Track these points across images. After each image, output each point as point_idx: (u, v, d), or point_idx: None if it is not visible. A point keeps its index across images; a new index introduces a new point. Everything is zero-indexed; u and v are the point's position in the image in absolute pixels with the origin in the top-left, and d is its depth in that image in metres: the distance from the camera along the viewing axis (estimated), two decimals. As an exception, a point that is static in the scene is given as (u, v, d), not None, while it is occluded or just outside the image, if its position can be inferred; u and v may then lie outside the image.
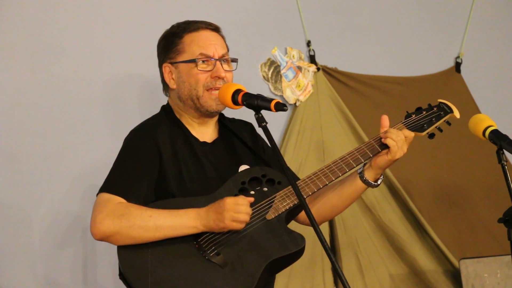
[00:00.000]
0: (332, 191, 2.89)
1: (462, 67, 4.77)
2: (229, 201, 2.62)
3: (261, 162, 2.90)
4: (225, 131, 2.93)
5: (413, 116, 2.89)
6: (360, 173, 2.85)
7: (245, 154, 2.91)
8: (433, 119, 2.89)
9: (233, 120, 3.00)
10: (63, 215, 3.56)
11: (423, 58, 4.68)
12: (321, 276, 4.11)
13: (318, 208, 2.90)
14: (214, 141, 2.88)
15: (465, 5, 4.81)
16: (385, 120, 2.86)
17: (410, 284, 4.33)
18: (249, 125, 3.02)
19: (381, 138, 2.81)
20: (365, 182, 2.84)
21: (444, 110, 2.91)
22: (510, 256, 2.78)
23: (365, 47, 4.52)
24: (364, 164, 2.84)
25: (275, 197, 2.74)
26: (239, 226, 2.64)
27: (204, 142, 2.85)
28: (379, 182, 2.86)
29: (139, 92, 3.78)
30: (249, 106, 2.64)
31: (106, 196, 2.67)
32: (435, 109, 2.91)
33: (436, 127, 2.89)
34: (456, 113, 2.91)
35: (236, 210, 2.62)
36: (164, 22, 2.95)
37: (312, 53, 4.32)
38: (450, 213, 4.55)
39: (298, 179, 2.88)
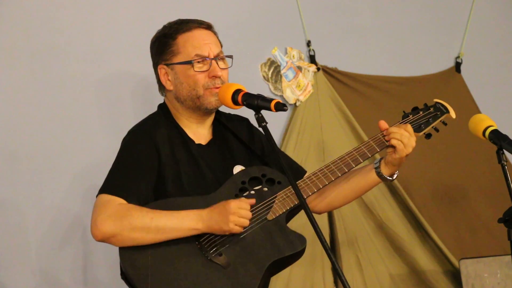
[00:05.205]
0: (346, 181, 2.91)
1: (462, 67, 4.76)
2: (234, 204, 2.64)
3: (257, 160, 2.90)
4: (219, 130, 2.92)
5: (410, 116, 2.91)
6: (376, 167, 2.87)
7: (240, 153, 2.90)
8: (430, 120, 2.92)
9: (229, 116, 2.99)
10: (63, 214, 3.56)
11: (423, 58, 4.68)
12: (321, 276, 4.11)
13: (330, 197, 2.93)
14: (209, 143, 2.88)
15: (465, 5, 4.81)
16: (383, 124, 2.87)
17: (410, 284, 4.33)
18: (245, 120, 3.02)
19: (380, 138, 2.84)
20: (381, 176, 2.87)
21: (441, 110, 2.94)
22: (510, 256, 2.78)
23: (365, 47, 4.52)
24: (381, 158, 2.87)
25: (275, 197, 2.75)
26: (240, 230, 2.66)
27: (199, 145, 2.85)
28: (394, 177, 2.90)
29: (139, 91, 3.78)
30: (249, 106, 2.64)
31: (106, 197, 2.66)
32: (431, 109, 2.94)
33: (432, 127, 2.92)
34: (452, 113, 2.94)
35: (239, 214, 2.64)
36: (162, 21, 2.94)
37: (312, 53, 4.31)
38: (450, 213, 4.55)
39: (305, 171, 2.91)
